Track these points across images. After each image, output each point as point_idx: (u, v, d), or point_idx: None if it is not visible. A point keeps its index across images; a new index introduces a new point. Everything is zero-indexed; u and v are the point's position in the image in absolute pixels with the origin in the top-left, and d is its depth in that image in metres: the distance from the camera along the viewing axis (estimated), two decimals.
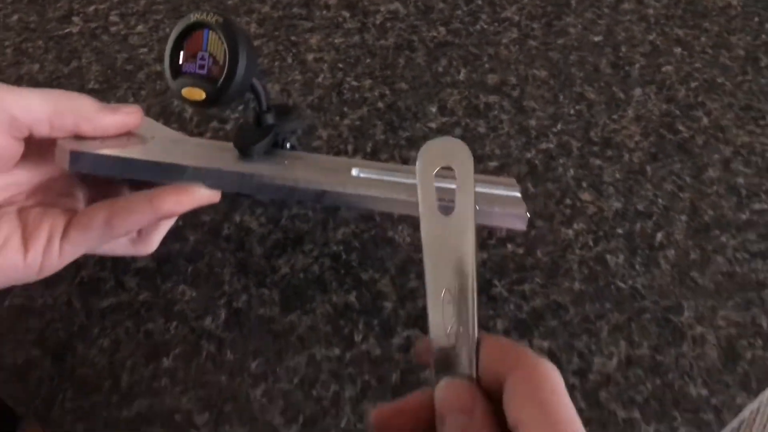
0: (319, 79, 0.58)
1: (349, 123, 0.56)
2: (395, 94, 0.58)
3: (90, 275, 0.48)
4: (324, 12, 0.63)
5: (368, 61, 0.60)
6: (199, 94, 0.42)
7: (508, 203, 0.45)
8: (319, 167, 0.46)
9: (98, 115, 0.42)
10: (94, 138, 0.42)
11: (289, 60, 0.59)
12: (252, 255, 0.49)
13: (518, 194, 0.46)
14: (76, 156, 0.40)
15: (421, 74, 0.59)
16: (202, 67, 0.42)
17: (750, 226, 0.51)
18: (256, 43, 0.60)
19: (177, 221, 0.50)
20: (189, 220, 0.50)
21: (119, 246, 0.44)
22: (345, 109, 0.57)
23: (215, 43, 0.41)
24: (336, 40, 0.61)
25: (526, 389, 0.28)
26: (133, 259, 0.49)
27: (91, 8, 0.62)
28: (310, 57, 0.60)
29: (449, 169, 0.32)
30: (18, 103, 0.39)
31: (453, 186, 0.31)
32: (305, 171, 0.44)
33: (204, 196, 0.42)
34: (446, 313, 0.31)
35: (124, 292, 0.48)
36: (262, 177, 0.42)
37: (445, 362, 0.31)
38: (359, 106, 0.57)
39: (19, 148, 0.40)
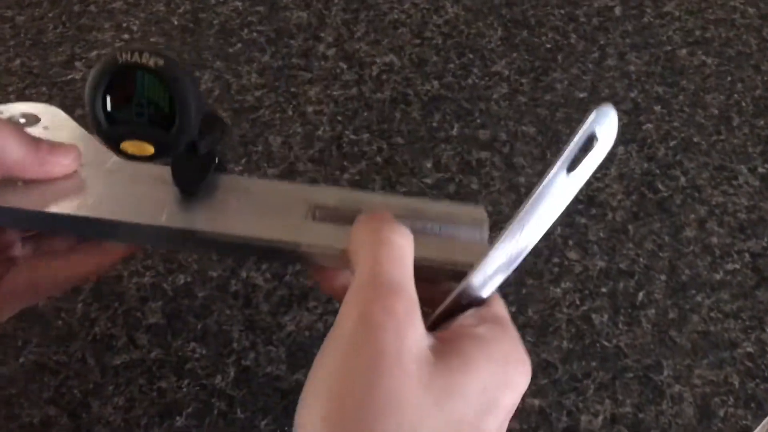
0: (320, 132, 0.61)
1: (348, 177, 0.58)
2: (392, 148, 0.60)
3: (102, 331, 0.50)
4: (322, 63, 0.65)
5: (366, 114, 0.62)
6: (146, 149, 0.36)
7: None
8: (271, 209, 0.40)
9: (26, 168, 0.37)
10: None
11: (290, 112, 0.61)
12: (259, 312, 0.52)
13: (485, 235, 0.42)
14: None
15: (417, 128, 0.62)
16: (140, 114, 0.35)
17: (723, 286, 0.55)
18: (257, 93, 0.62)
19: (185, 278, 0.52)
20: (197, 276, 0.53)
21: None
22: (345, 162, 0.59)
23: (154, 87, 0.35)
24: (334, 92, 0.63)
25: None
26: (144, 315, 0.51)
27: (93, 53, 0.63)
28: (309, 109, 0.62)
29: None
30: None
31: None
32: (253, 219, 0.39)
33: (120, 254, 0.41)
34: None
35: (136, 349, 0.50)
36: (207, 233, 0.38)
37: None
38: (358, 161, 0.59)
39: None
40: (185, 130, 0.35)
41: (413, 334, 0.31)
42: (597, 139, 0.34)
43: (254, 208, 0.40)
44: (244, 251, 0.40)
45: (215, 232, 0.38)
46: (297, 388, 0.49)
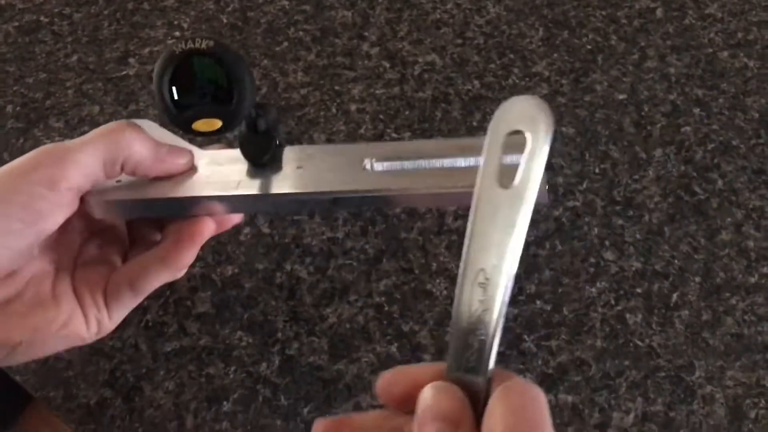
0: (362, 130, 0.62)
1: None
2: None
3: (154, 319, 0.53)
4: (366, 62, 0.66)
5: (407, 113, 0.64)
6: (214, 124, 0.42)
7: None
8: (333, 165, 0.46)
9: (152, 166, 0.44)
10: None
11: (334, 110, 0.63)
12: (302, 303, 0.54)
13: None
14: (93, 203, 0.44)
15: (457, 127, 0.63)
16: (203, 95, 0.41)
17: (758, 289, 0.56)
18: (303, 91, 0.64)
19: (233, 269, 0.55)
20: (244, 267, 0.55)
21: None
22: None
23: (210, 68, 0.40)
24: (377, 91, 0.65)
25: (513, 401, 0.27)
26: (194, 304, 0.53)
27: (146, 50, 0.66)
28: (353, 107, 0.64)
29: (519, 133, 0.28)
30: (78, 170, 0.41)
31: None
32: (317, 176, 0.45)
33: (209, 230, 0.46)
34: (475, 295, 0.28)
35: (186, 336, 0.52)
36: (279, 196, 0.44)
37: (461, 349, 0.29)
38: None
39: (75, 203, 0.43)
40: (245, 97, 0.41)
41: None
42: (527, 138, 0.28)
43: (316, 168, 0.46)
44: (312, 206, 0.49)
45: (283, 193, 0.44)
46: (338, 378, 0.51)
